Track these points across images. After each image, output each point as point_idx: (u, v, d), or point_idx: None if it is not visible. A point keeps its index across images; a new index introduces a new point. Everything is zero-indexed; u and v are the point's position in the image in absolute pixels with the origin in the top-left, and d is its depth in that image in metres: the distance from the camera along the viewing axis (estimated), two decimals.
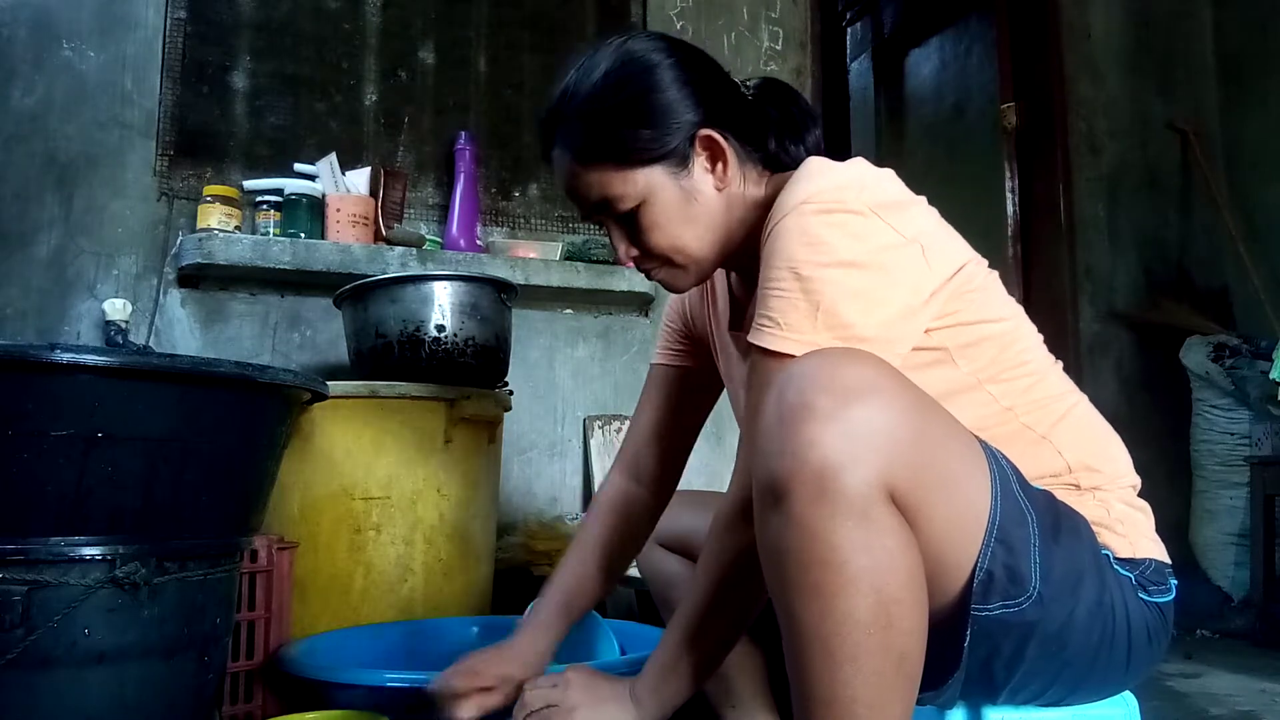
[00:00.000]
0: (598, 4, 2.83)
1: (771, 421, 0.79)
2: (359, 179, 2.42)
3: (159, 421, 1.12)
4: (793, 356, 0.88)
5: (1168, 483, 3.01)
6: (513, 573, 2.22)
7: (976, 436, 0.90)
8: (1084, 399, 1.06)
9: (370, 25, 2.56)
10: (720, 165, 1.03)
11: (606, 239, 2.61)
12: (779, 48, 3.04)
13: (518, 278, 2.34)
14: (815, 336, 0.88)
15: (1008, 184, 3.31)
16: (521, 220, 2.68)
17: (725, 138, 1.03)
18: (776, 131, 1.09)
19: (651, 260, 1.06)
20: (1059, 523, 0.91)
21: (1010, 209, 3.30)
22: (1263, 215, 3.19)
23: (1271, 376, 2.51)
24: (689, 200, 1.02)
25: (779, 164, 1.08)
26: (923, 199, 0.99)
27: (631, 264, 1.08)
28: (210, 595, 1.21)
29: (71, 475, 1.07)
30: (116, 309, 2.18)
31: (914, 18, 4.10)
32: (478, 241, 2.52)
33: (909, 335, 0.93)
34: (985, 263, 1.03)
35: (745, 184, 1.06)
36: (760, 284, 0.94)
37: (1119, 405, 3.15)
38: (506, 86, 2.68)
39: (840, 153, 0.99)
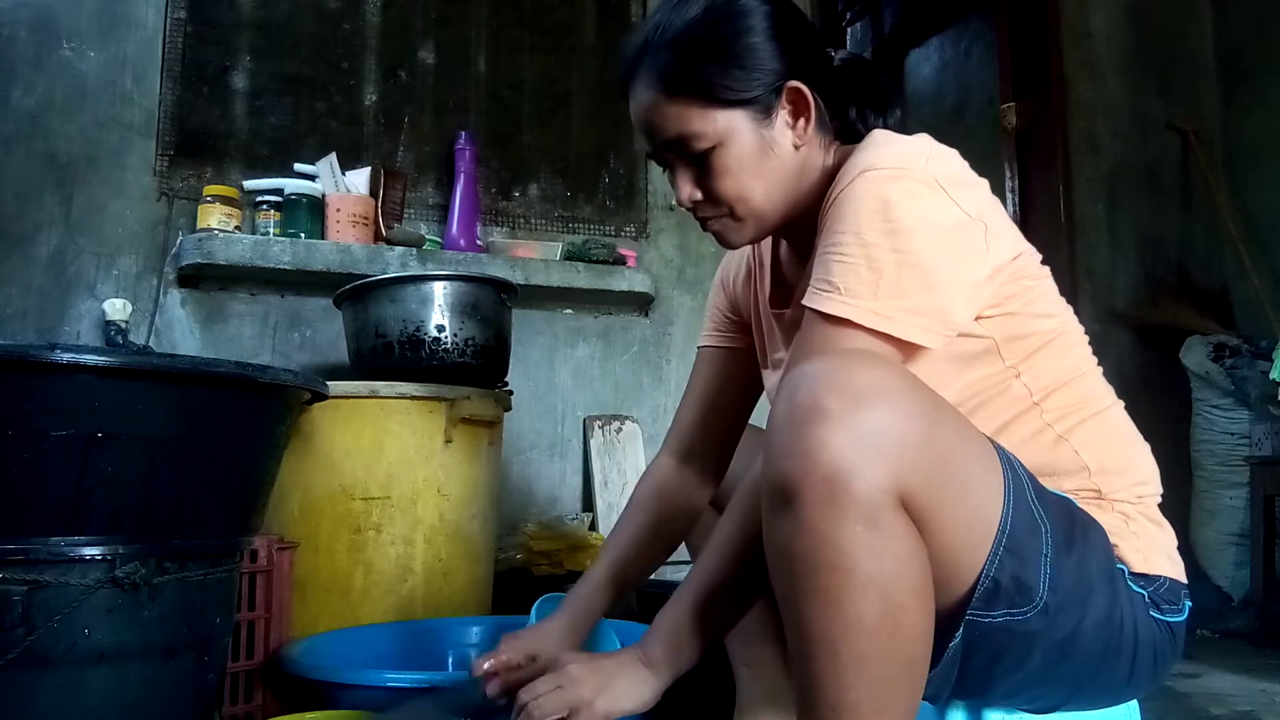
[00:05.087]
0: (598, 4, 2.83)
1: (781, 422, 0.79)
2: (359, 179, 2.42)
3: (159, 421, 1.13)
4: (851, 322, 0.88)
5: (1168, 483, 2.99)
6: (513, 573, 2.22)
7: (993, 441, 0.89)
8: (1119, 405, 1.05)
9: (370, 25, 2.56)
10: (803, 121, 1.02)
11: (608, 237, 2.66)
12: None
13: (518, 278, 2.34)
14: (876, 304, 0.88)
15: (1008, 184, 3.30)
16: (521, 220, 2.68)
17: (813, 94, 1.01)
18: (859, 102, 1.07)
19: (713, 208, 1.04)
20: (1073, 532, 0.90)
21: (1010, 209, 3.30)
22: (1263, 215, 3.18)
23: (1271, 376, 2.51)
24: (765, 151, 1.01)
25: (851, 136, 1.06)
26: (985, 182, 0.97)
27: (691, 207, 1.05)
28: (210, 595, 1.21)
29: (71, 475, 1.07)
30: (116, 309, 2.18)
31: (914, 18, 4.09)
32: (478, 241, 2.52)
33: (964, 315, 0.93)
34: (1039, 257, 1.02)
35: (818, 149, 1.04)
36: (820, 248, 0.93)
37: None
38: (506, 86, 2.68)
39: None
